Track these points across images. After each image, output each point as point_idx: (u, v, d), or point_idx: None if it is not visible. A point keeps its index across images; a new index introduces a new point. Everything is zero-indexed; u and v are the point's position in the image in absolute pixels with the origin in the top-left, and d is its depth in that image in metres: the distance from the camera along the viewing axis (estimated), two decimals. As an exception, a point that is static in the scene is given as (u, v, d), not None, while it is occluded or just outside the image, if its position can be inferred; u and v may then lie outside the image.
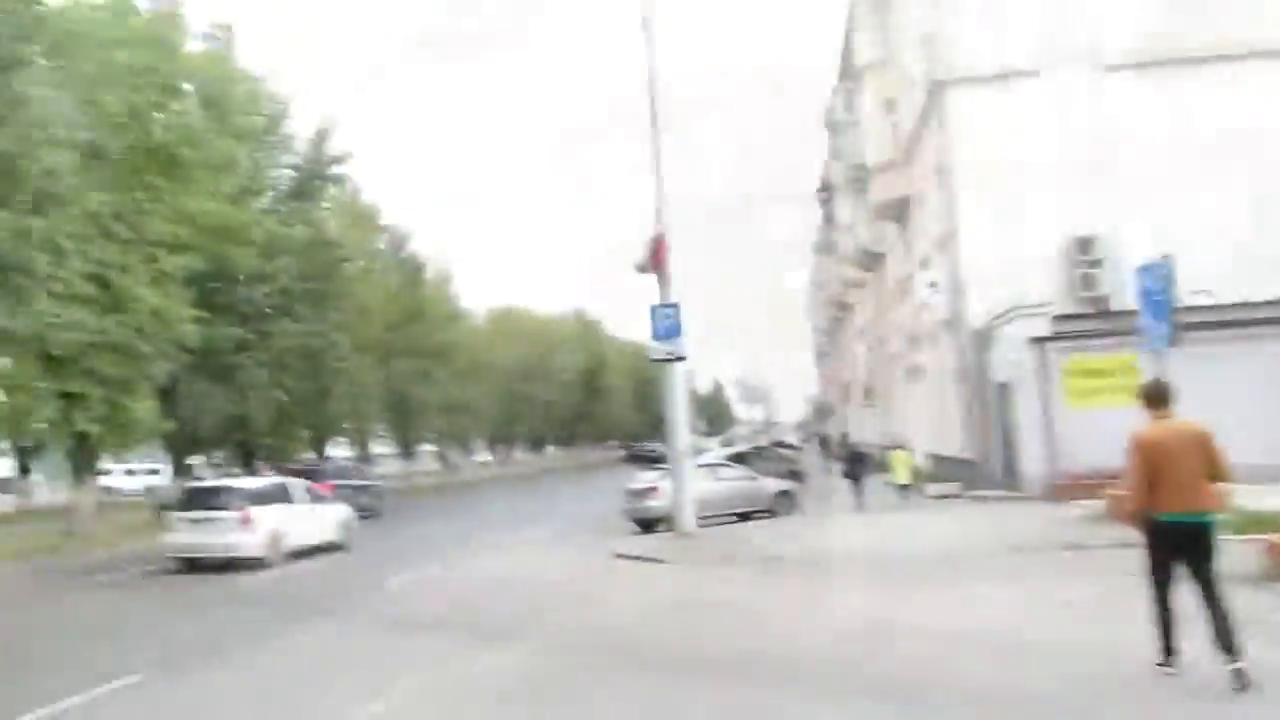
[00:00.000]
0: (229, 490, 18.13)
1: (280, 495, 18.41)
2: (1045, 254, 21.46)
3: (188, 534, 17.06)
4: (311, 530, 18.67)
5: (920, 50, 24.36)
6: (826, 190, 53.98)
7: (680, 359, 18.07)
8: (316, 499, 19.87)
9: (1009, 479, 21.21)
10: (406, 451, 48.23)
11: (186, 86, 23.87)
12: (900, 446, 25.00)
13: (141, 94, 20.70)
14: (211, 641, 10.56)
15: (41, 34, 18.39)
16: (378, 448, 48.75)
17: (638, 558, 15.71)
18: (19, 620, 13.19)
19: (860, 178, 34.77)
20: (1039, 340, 20.00)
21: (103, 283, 20.60)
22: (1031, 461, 20.00)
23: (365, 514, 24.09)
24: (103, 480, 54.28)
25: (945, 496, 22.88)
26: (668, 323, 17.99)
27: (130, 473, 54.42)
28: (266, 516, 17.17)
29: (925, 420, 28.58)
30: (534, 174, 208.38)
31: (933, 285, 22.58)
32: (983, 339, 22.26)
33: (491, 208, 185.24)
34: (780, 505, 22.66)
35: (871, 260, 36.63)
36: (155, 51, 22.33)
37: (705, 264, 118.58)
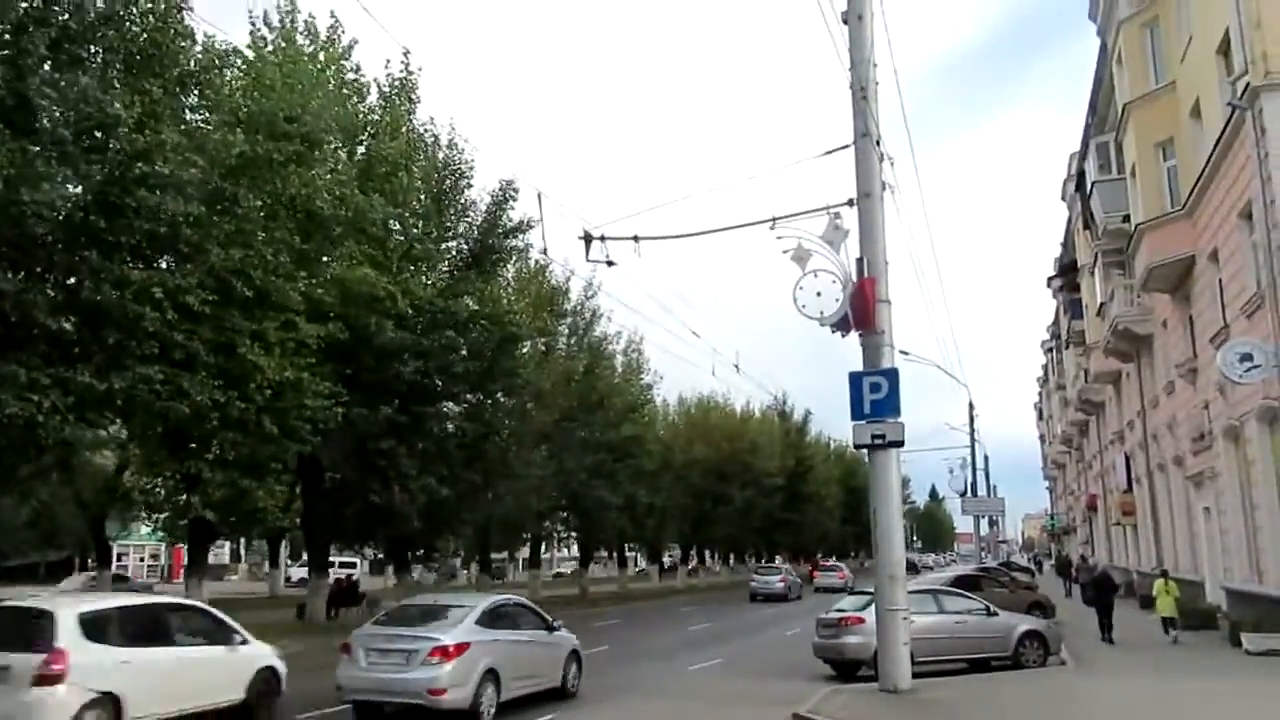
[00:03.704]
0: None
1: None
2: None
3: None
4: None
5: (1219, 60, 18.90)
6: (1064, 274, 47.09)
7: (895, 444, 13.15)
8: None
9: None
10: (584, 557, 44.47)
11: (333, 140, 21.95)
12: (1164, 573, 21.53)
13: (280, 144, 18.66)
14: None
15: (168, 67, 16.47)
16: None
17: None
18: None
19: (1118, 247, 28.70)
20: None
21: (227, 351, 18.29)
22: None
23: None
24: (296, 571, 54.54)
25: (1275, 653, 16.35)
26: (877, 397, 13.22)
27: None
28: None
29: (1220, 541, 21.84)
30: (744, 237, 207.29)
31: (1245, 359, 16.59)
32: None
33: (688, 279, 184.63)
34: (1027, 653, 17.20)
35: (1133, 345, 30.08)
36: (300, 99, 20.49)
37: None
